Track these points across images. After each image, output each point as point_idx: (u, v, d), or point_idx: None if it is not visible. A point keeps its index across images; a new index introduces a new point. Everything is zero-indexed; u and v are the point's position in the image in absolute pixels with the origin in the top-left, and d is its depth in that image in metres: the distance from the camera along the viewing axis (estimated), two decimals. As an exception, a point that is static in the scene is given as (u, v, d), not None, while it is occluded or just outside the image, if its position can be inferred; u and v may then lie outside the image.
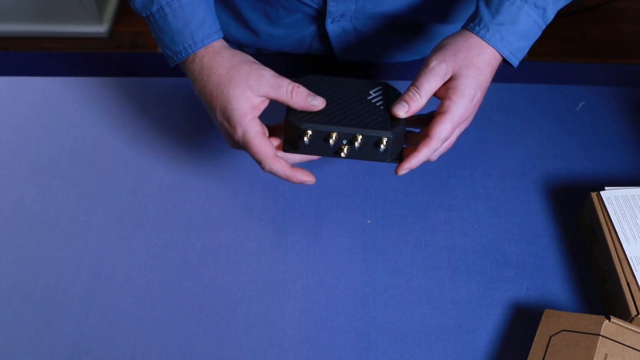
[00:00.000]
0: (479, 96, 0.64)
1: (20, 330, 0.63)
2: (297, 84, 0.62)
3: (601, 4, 2.16)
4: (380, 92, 0.67)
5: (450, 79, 0.63)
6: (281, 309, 0.65)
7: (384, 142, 0.61)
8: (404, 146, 0.65)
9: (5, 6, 2.04)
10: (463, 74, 0.63)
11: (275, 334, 0.63)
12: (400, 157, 0.64)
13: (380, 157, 0.63)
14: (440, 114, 0.62)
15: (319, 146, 0.62)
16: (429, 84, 0.63)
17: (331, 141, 0.61)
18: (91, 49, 2.10)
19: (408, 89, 0.63)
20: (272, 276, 0.67)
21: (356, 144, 0.61)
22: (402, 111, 0.63)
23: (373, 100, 0.65)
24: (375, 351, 0.62)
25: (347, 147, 0.62)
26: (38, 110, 0.82)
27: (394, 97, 0.66)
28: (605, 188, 0.68)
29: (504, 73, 0.86)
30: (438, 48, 0.64)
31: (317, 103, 0.63)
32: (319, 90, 0.65)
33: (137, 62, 0.89)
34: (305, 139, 0.61)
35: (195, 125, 0.81)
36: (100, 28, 2.11)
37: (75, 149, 0.78)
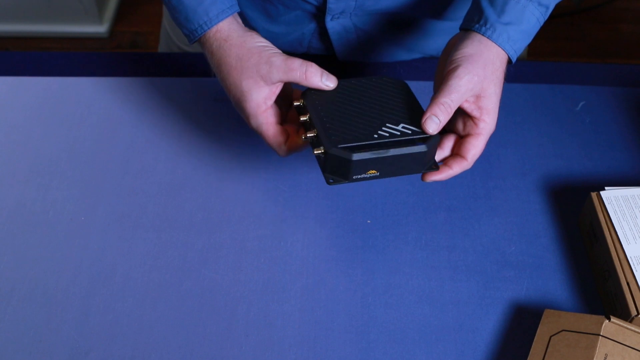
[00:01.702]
0: (498, 107, 0.65)
1: (20, 330, 0.63)
2: (308, 63, 0.62)
3: (601, 4, 2.16)
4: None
5: (480, 96, 0.62)
6: (281, 309, 0.65)
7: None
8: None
9: (5, 6, 2.04)
10: (492, 91, 0.63)
11: (275, 334, 0.63)
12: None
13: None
14: (476, 135, 0.63)
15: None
16: (460, 96, 0.61)
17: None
18: (91, 49, 2.10)
19: (438, 100, 0.61)
20: (272, 276, 0.67)
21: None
22: (433, 127, 0.60)
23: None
24: (375, 351, 0.62)
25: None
26: (38, 110, 0.82)
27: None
28: (605, 188, 0.68)
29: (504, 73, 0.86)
30: (465, 58, 0.62)
31: (330, 83, 0.63)
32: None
33: (137, 62, 0.89)
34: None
35: (196, 125, 0.81)
36: (100, 28, 2.11)
37: (75, 149, 0.78)
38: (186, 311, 0.65)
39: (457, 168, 0.64)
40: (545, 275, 0.67)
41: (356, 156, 0.58)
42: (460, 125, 0.65)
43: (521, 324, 0.63)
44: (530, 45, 1.00)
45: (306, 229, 0.71)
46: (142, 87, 0.85)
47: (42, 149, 0.78)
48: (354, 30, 0.82)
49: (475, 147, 0.63)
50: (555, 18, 2.07)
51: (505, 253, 0.69)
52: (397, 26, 0.84)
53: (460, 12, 0.83)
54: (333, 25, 0.81)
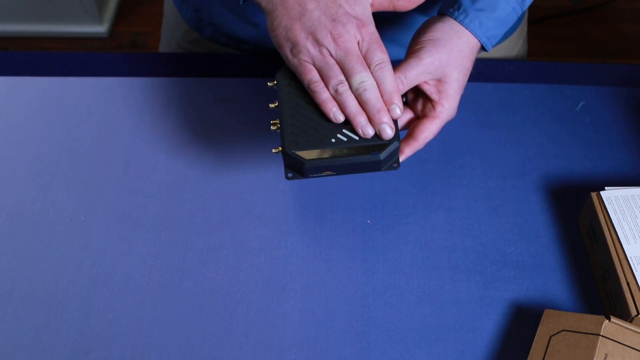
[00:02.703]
0: (461, 94, 0.66)
1: (20, 330, 0.63)
2: None
3: (601, 4, 2.16)
4: None
5: (441, 81, 0.64)
6: (281, 309, 0.65)
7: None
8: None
9: (5, 6, 2.04)
10: (454, 78, 0.64)
11: (275, 334, 0.63)
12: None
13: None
14: (431, 117, 0.65)
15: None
16: (417, 76, 0.63)
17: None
18: (91, 49, 2.10)
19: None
20: (272, 276, 0.67)
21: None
22: None
23: None
24: (375, 351, 0.62)
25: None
26: (38, 110, 0.82)
27: None
28: (605, 188, 0.68)
29: (504, 73, 0.86)
30: (431, 41, 0.64)
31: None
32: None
33: (137, 62, 0.89)
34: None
35: (196, 125, 0.81)
36: (100, 28, 2.11)
37: (75, 149, 0.78)
38: (186, 311, 0.65)
39: (408, 151, 0.65)
40: (545, 275, 0.67)
41: (309, 163, 0.60)
42: (419, 106, 0.66)
43: (521, 324, 0.63)
44: (530, 45, 1.00)
45: (306, 229, 0.71)
46: (142, 87, 0.85)
47: (42, 149, 0.78)
48: None
49: (428, 130, 0.64)
50: (555, 18, 2.07)
51: (505, 253, 0.69)
52: (394, 23, 0.84)
53: None
54: None
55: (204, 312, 0.65)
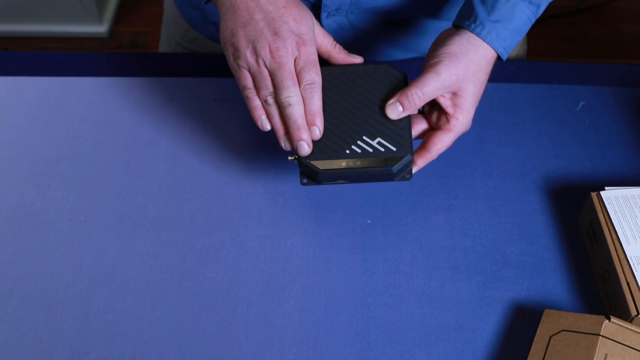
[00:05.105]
0: (476, 107, 0.66)
1: (20, 330, 0.63)
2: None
3: (601, 4, 2.16)
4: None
5: (457, 94, 0.64)
6: (281, 309, 0.65)
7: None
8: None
9: (5, 6, 2.04)
10: (469, 92, 0.64)
11: (275, 334, 0.63)
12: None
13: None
14: (445, 130, 0.65)
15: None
16: (435, 91, 0.63)
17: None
18: (91, 49, 2.10)
19: (408, 90, 0.63)
20: (272, 276, 0.67)
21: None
22: (395, 114, 0.64)
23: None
24: (375, 351, 0.62)
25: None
26: (38, 110, 0.82)
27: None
28: (605, 188, 0.68)
29: (504, 73, 0.86)
30: (449, 55, 0.64)
31: (357, 59, 0.66)
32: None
33: (137, 62, 0.89)
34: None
35: (196, 125, 0.81)
36: (100, 28, 2.11)
37: (75, 149, 0.78)
38: (186, 311, 0.65)
39: (420, 162, 0.66)
40: (545, 275, 0.67)
41: (323, 173, 0.62)
42: (434, 118, 0.67)
43: (521, 324, 0.63)
44: (530, 45, 1.00)
45: (306, 229, 0.71)
46: (142, 87, 0.85)
47: (42, 149, 0.78)
48: (350, 29, 0.82)
49: (441, 142, 0.65)
50: (555, 18, 2.07)
51: (505, 253, 0.69)
52: (393, 25, 0.84)
53: (455, 12, 0.83)
54: (329, 22, 0.81)
55: (204, 312, 0.65)
